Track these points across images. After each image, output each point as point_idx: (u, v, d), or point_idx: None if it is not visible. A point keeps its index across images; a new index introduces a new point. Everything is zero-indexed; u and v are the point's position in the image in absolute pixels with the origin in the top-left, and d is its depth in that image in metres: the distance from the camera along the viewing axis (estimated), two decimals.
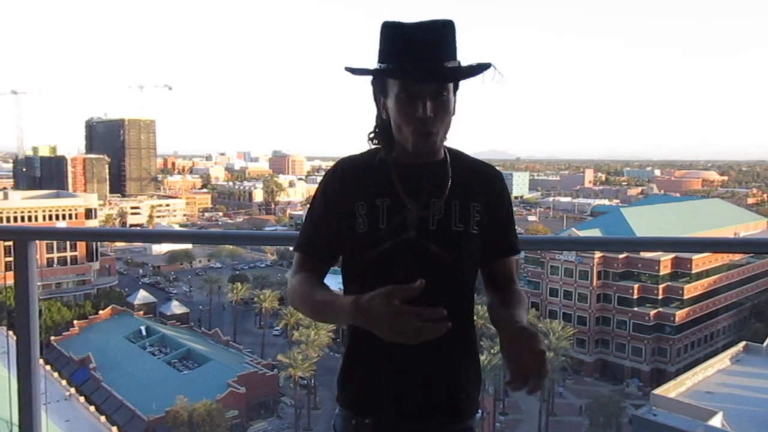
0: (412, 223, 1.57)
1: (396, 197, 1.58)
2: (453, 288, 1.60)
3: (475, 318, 1.71)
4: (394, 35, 1.52)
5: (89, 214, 57.66)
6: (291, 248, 1.76)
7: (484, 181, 1.66)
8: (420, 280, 1.33)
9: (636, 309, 38.06)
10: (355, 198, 1.60)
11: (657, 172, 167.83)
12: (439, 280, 1.50)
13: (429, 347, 1.53)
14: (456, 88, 1.58)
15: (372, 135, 1.64)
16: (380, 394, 1.61)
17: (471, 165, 1.68)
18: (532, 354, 1.36)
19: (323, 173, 1.74)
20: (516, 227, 1.74)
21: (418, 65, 1.48)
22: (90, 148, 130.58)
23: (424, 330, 1.30)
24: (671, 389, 28.64)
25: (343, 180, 1.64)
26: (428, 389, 1.59)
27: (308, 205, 1.72)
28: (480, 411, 1.69)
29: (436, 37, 1.51)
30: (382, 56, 1.54)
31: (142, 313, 43.66)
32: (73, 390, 29.99)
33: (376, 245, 1.57)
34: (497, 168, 1.70)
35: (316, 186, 1.72)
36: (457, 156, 1.67)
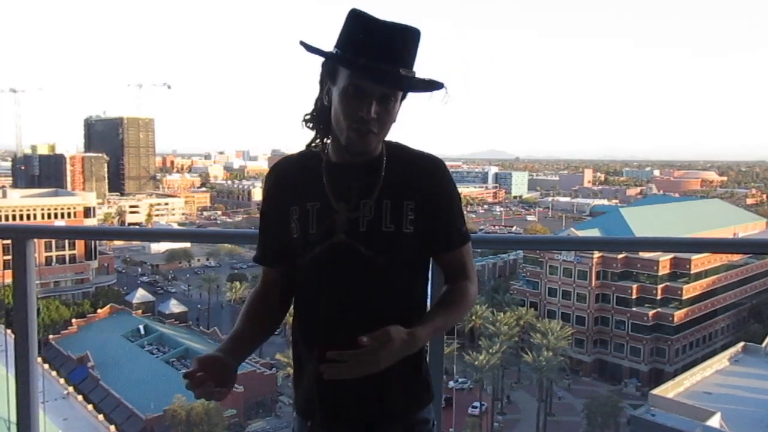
0: (342, 226, 1.53)
1: (326, 200, 1.55)
2: (386, 291, 1.54)
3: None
4: (359, 26, 1.47)
5: (88, 212, 57.69)
6: None
7: (421, 174, 1.58)
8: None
9: (634, 309, 38.03)
10: (289, 202, 1.59)
11: (656, 173, 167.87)
12: (371, 284, 1.49)
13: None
14: (404, 96, 1.55)
15: (308, 117, 1.59)
16: (313, 398, 1.61)
17: (410, 158, 1.60)
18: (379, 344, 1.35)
19: None
20: (465, 219, 1.65)
21: (376, 65, 1.44)
22: (89, 146, 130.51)
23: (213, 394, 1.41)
24: (669, 389, 28.67)
25: (279, 184, 1.64)
26: (357, 396, 1.56)
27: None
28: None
29: (400, 42, 1.47)
30: (341, 43, 1.49)
31: (140, 311, 43.60)
32: (71, 388, 29.98)
33: (308, 250, 1.55)
34: (440, 158, 1.61)
35: None
36: (396, 150, 1.61)
